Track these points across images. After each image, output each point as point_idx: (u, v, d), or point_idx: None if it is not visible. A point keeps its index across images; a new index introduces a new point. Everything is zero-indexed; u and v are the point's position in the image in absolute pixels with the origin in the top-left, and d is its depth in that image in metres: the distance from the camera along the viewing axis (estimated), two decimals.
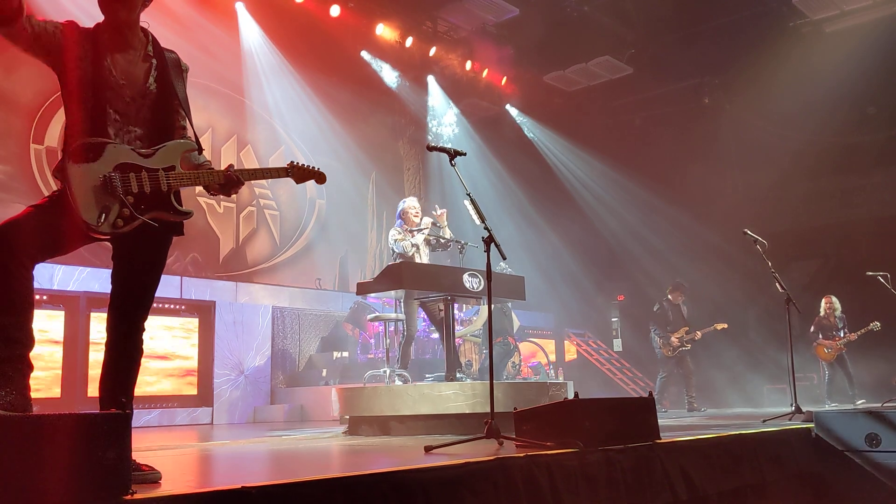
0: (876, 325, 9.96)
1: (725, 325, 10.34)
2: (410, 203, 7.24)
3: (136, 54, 2.99)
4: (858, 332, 9.99)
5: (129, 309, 2.99)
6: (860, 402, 9.58)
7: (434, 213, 7.22)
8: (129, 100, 2.94)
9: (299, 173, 3.24)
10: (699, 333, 10.20)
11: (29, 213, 2.79)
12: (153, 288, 3.04)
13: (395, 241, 6.98)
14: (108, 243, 2.99)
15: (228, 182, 3.06)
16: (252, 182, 11.61)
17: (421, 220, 7.19)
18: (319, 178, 3.28)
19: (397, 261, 6.90)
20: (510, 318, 10.59)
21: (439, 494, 2.83)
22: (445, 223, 7.14)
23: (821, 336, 10.17)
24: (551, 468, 3.28)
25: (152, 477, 2.73)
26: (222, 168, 3.08)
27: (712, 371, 12.21)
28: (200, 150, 3.12)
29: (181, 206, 2.97)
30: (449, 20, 12.09)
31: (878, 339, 10.26)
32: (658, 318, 10.40)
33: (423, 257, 7.04)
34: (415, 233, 7.04)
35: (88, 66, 2.89)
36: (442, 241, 7.06)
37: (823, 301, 10.33)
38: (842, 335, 10.07)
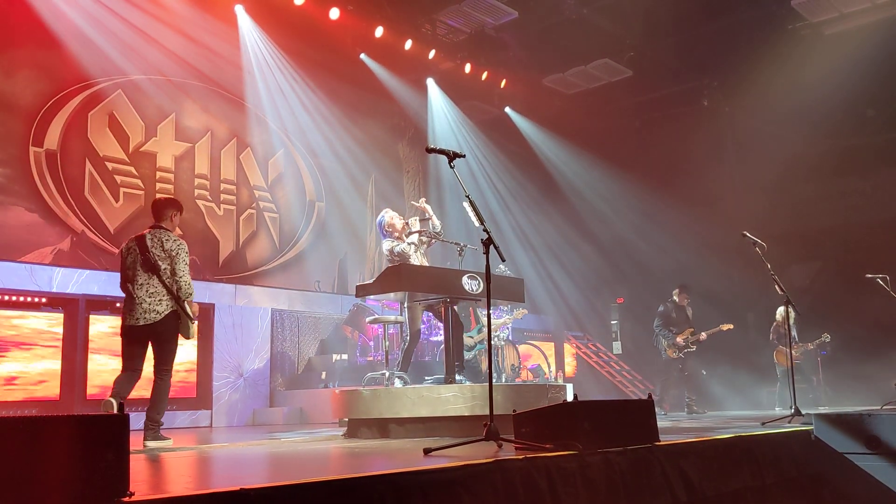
0: (826, 336, 10.27)
1: (731, 326, 10.23)
2: (390, 216, 6.98)
3: None
4: (814, 342, 10.23)
5: (156, 364, 5.56)
6: (777, 408, 9.70)
7: (416, 204, 7.13)
8: None
9: None
10: (704, 335, 10.09)
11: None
12: (164, 352, 5.55)
13: (391, 248, 6.78)
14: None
15: None
16: (252, 184, 11.64)
17: (407, 223, 7.04)
18: None
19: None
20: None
21: (438, 496, 2.83)
22: (431, 213, 7.04)
23: (778, 342, 10.27)
24: (550, 470, 3.28)
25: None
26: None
27: (711, 373, 12.20)
28: None
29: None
30: (448, 23, 12.09)
31: (878, 340, 10.26)
32: (662, 318, 10.27)
33: (420, 259, 6.98)
34: (405, 237, 6.94)
35: None
36: (433, 233, 6.96)
37: (782, 308, 10.35)
38: (795, 342, 10.24)
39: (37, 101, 9.24)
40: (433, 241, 7.05)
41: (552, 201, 14.49)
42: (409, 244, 6.77)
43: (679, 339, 10.10)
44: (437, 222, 7.03)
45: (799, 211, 12.90)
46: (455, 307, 6.69)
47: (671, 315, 10.26)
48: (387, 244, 6.90)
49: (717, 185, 13.89)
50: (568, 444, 3.58)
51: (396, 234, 6.92)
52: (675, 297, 10.44)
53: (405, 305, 6.88)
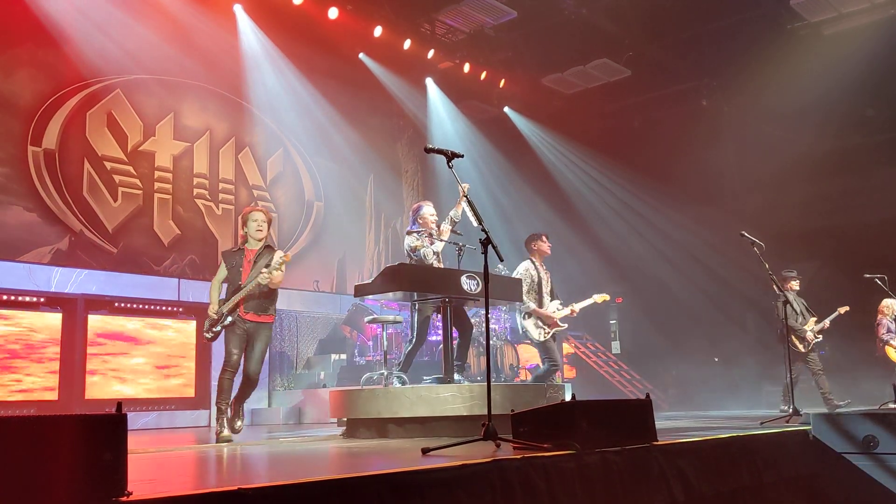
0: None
1: (847, 308, 9.43)
2: (429, 210, 6.85)
3: None
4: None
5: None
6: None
7: (460, 187, 6.88)
8: None
9: None
10: (827, 322, 9.26)
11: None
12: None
13: (415, 247, 6.63)
14: None
15: None
16: (250, 183, 11.64)
17: (438, 227, 6.85)
18: None
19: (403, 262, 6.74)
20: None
21: (436, 496, 2.83)
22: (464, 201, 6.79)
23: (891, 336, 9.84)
24: (548, 470, 3.28)
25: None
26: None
27: (710, 372, 12.22)
28: None
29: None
30: (447, 23, 12.09)
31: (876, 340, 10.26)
32: (786, 308, 8.72)
33: (442, 263, 6.87)
34: (434, 240, 6.75)
35: None
36: (453, 220, 6.78)
37: (889, 301, 9.87)
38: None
39: (35, 100, 9.22)
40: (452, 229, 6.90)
41: (551, 200, 14.49)
42: (434, 252, 6.66)
43: (809, 333, 9.20)
44: (459, 212, 6.85)
45: (798, 210, 12.90)
46: (465, 307, 6.68)
47: (794, 305, 9.25)
48: (410, 241, 6.73)
49: (716, 185, 13.90)
50: (566, 443, 3.59)
51: (420, 230, 6.74)
52: (785, 288, 9.21)
53: (416, 307, 6.74)
